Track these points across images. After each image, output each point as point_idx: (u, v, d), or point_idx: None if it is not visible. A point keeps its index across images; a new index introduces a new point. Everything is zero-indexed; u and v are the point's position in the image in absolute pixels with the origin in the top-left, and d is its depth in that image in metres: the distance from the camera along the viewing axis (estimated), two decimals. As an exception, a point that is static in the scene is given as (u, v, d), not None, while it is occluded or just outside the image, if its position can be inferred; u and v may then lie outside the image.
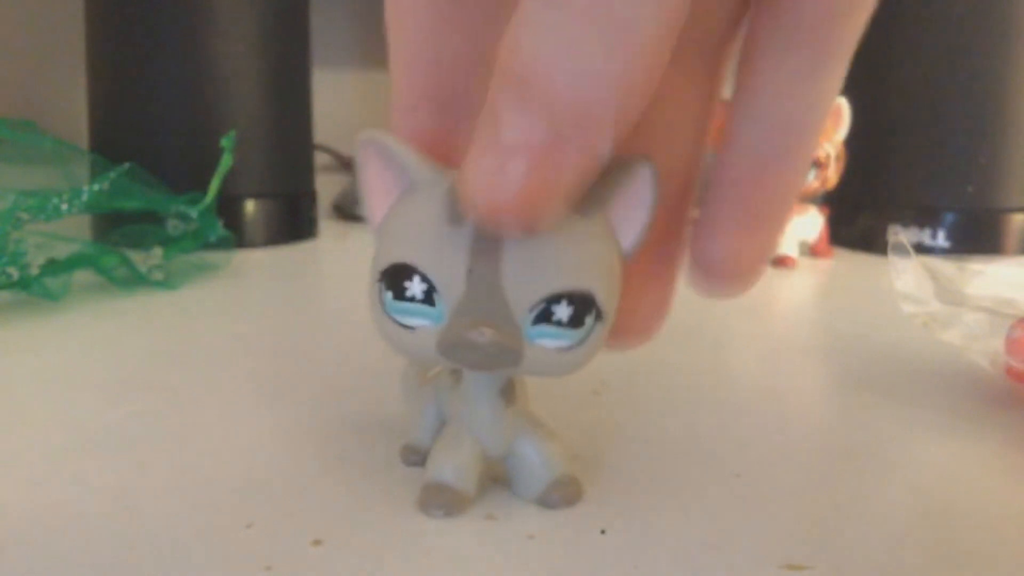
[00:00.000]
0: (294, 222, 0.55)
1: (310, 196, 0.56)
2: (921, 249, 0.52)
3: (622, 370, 0.30)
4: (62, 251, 0.38)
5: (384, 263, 0.17)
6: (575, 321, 0.16)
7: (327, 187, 0.62)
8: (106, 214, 0.46)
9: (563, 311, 0.16)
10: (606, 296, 0.16)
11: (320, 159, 0.64)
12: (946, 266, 0.31)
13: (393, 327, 0.17)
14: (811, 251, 0.54)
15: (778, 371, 0.31)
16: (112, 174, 0.41)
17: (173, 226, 0.44)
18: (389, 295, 0.16)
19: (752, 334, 0.37)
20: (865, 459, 0.23)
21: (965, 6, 0.51)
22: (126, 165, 0.41)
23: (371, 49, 0.90)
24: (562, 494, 0.19)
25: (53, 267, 0.37)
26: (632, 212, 0.17)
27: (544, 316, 0.16)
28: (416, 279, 0.16)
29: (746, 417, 0.26)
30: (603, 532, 0.18)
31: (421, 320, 0.16)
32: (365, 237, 0.57)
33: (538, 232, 0.15)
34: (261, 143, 0.52)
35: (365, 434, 0.24)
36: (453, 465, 0.19)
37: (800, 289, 0.47)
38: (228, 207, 0.48)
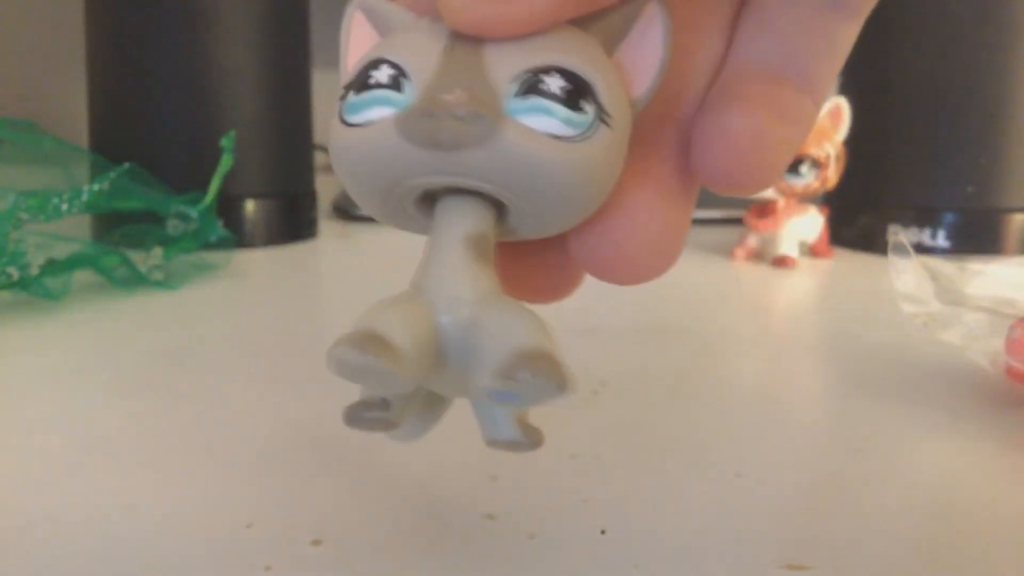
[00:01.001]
0: (294, 222, 0.55)
1: (310, 196, 0.56)
2: (921, 249, 0.51)
3: (622, 370, 0.30)
4: (62, 251, 0.38)
5: (352, 73, 0.14)
6: (571, 101, 0.13)
7: (327, 187, 0.62)
8: (106, 214, 0.46)
9: (554, 82, 0.13)
10: (609, 96, 0.13)
11: (320, 159, 0.64)
12: (946, 266, 0.31)
13: (346, 132, 0.13)
14: (811, 251, 0.54)
15: (778, 371, 0.31)
16: (112, 174, 0.40)
17: (173, 226, 0.44)
18: (350, 96, 0.13)
19: (752, 334, 0.37)
20: (865, 459, 0.23)
21: (965, 6, 0.51)
22: (126, 165, 0.41)
23: (371, 49, 0.90)
24: (530, 368, 0.12)
25: (53, 267, 0.37)
26: (643, 54, 0.14)
27: (531, 87, 0.13)
28: (383, 67, 0.13)
29: (746, 417, 0.26)
30: (603, 532, 0.18)
31: (382, 109, 0.13)
32: (365, 237, 0.57)
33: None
34: (261, 143, 0.52)
35: (365, 434, 0.24)
36: (387, 312, 0.13)
37: (800, 289, 0.47)
38: (228, 207, 0.48)
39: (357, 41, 0.15)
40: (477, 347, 0.13)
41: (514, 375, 0.12)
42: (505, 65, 0.13)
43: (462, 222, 0.14)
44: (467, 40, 0.13)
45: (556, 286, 0.17)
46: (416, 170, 0.13)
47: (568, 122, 0.13)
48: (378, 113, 0.13)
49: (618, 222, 0.14)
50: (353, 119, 0.13)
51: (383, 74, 0.13)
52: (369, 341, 0.13)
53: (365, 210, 0.15)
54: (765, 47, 0.16)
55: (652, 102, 0.14)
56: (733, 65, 0.16)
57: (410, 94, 0.13)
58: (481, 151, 0.12)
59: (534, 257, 0.16)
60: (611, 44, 0.14)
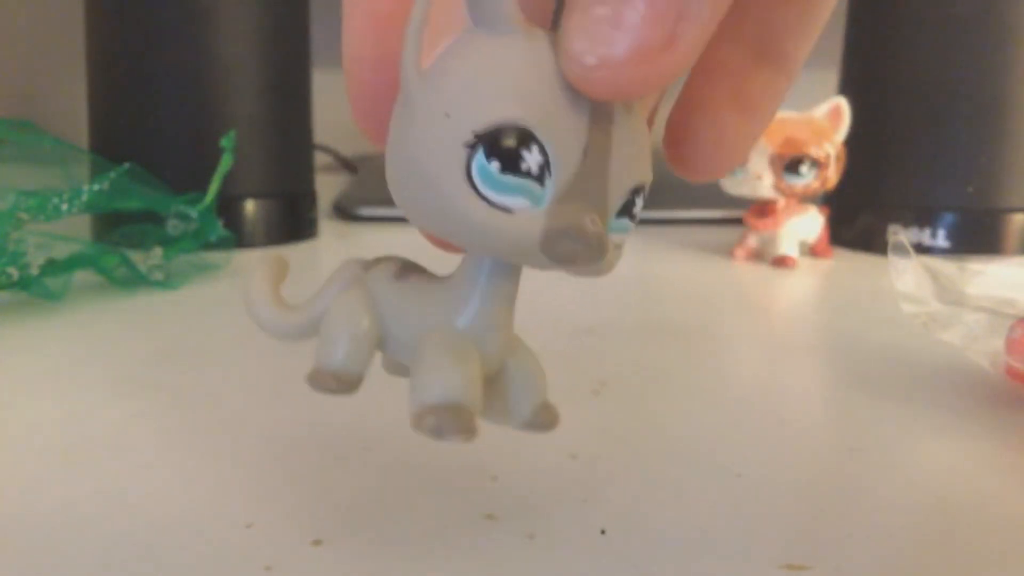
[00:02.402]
0: (294, 222, 0.55)
1: (310, 196, 0.56)
2: (921, 249, 0.51)
3: (622, 370, 0.30)
4: (62, 251, 0.38)
5: (485, 119, 0.13)
6: (638, 216, 0.14)
7: (327, 187, 0.62)
8: (106, 214, 0.46)
9: (639, 204, 0.14)
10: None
11: (320, 159, 0.64)
12: (946, 266, 0.31)
13: (485, 211, 0.13)
14: (811, 251, 0.54)
15: (778, 371, 0.31)
16: (112, 174, 0.40)
17: (173, 226, 0.44)
18: (494, 165, 0.13)
19: (752, 334, 0.37)
20: (865, 459, 0.23)
21: (966, 6, 0.51)
22: (126, 165, 0.41)
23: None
24: (545, 419, 0.16)
25: (53, 267, 0.37)
26: None
27: (627, 209, 0.14)
28: (535, 148, 0.13)
29: (746, 417, 0.26)
30: (603, 532, 0.18)
31: (523, 201, 0.13)
32: (366, 237, 0.57)
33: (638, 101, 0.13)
34: (261, 143, 0.52)
35: (365, 434, 0.24)
36: (463, 378, 0.14)
37: (800, 289, 0.47)
38: (228, 207, 0.48)
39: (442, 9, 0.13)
40: (509, 389, 0.16)
41: (536, 424, 0.16)
42: (622, 178, 0.14)
43: (513, 283, 0.15)
44: (603, 123, 0.13)
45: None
46: (532, 264, 0.14)
47: (627, 231, 0.14)
48: (519, 203, 0.13)
49: (711, 143, 0.16)
50: (495, 198, 0.13)
51: (535, 162, 0.13)
52: (467, 421, 0.14)
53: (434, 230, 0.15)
54: (741, 21, 0.16)
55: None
56: (721, 50, 0.16)
57: (549, 190, 0.13)
58: (596, 265, 0.13)
59: None
60: None
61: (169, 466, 0.22)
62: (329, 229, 0.59)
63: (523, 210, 0.13)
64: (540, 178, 0.13)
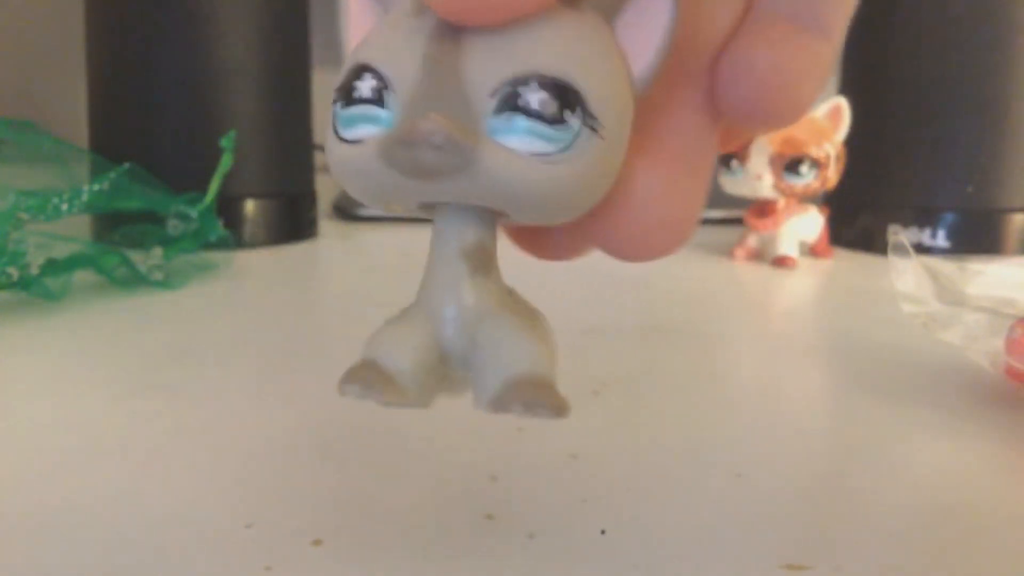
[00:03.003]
0: (294, 222, 0.55)
1: (310, 196, 0.56)
2: (921, 249, 0.51)
3: (622, 370, 0.30)
4: (62, 251, 0.38)
5: (340, 76, 0.14)
6: (553, 116, 0.12)
7: (327, 187, 0.62)
8: (106, 214, 0.46)
9: (533, 96, 0.12)
10: (599, 96, 0.13)
11: (320, 159, 0.64)
12: (946, 266, 0.31)
13: (339, 148, 0.13)
14: (811, 251, 0.54)
15: (778, 371, 0.31)
16: (112, 174, 0.41)
17: (173, 226, 0.44)
18: (338, 107, 0.13)
19: (752, 334, 0.37)
20: (865, 459, 0.23)
21: (965, 6, 0.51)
22: (126, 165, 0.41)
23: (371, 49, 0.90)
24: (524, 398, 0.13)
25: (53, 267, 0.37)
26: (645, 25, 0.13)
27: (509, 103, 0.12)
28: (367, 76, 0.13)
29: (746, 417, 0.26)
30: (603, 532, 0.18)
31: (369, 127, 0.13)
32: (365, 237, 0.57)
33: (512, 22, 0.12)
34: (261, 143, 0.52)
35: (365, 434, 0.24)
36: (389, 340, 0.14)
37: (800, 289, 0.47)
38: (228, 207, 0.48)
39: (357, 15, 0.15)
40: (476, 366, 0.14)
41: (507, 407, 0.13)
42: (485, 73, 0.12)
43: (460, 234, 0.14)
44: (448, 36, 0.13)
45: (568, 250, 0.16)
46: (405, 192, 0.13)
47: (549, 139, 0.12)
48: (365, 131, 0.13)
49: (630, 206, 0.14)
50: (344, 134, 0.13)
51: (367, 87, 0.13)
52: (372, 377, 0.13)
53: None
54: None
55: (665, 67, 0.13)
56: (749, 15, 0.15)
57: (394, 109, 0.13)
58: (462, 178, 0.12)
59: (542, 228, 0.16)
60: (608, 16, 0.13)
61: (169, 466, 0.22)
62: (329, 229, 0.59)
63: (371, 136, 0.13)
64: (380, 101, 0.13)
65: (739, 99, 0.14)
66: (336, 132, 0.13)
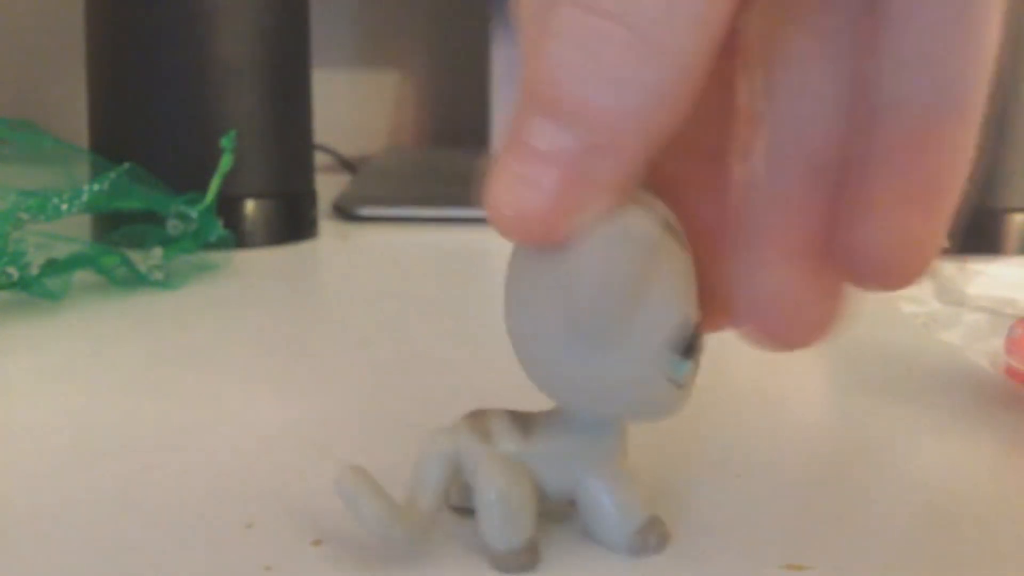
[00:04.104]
0: (294, 222, 0.55)
1: (310, 196, 0.56)
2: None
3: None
4: (62, 251, 0.38)
5: (681, 322, 0.16)
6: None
7: (327, 187, 0.62)
8: (106, 214, 0.46)
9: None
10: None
11: (320, 159, 0.64)
12: (946, 266, 0.31)
13: (668, 388, 0.16)
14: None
15: (777, 371, 0.31)
16: (112, 174, 0.41)
17: (173, 226, 0.44)
18: (676, 357, 0.16)
19: (752, 334, 0.37)
20: (865, 459, 0.23)
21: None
22: (126, 165, 0.41)
23: (371, 49, 0.90)
24: (650, 538, 0.18)
25: (53, 267, 0.37)
26: None
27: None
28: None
29: (746, 417, 0.26)
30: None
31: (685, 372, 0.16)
32: (366, 237, 0.58)
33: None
34: (261, 143, 0.52)
35: (365, 434, 0.24)
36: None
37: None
38: (228, 207, 0.48)
39: None
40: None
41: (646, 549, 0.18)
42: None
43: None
44: None
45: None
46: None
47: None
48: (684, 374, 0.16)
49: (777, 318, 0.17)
50: (679, 379, 0.16)
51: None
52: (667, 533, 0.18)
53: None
54: (909, 76, 0.15)
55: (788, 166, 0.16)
56: (872, 114, 0.15)
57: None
58: None
59: None
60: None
61: (168, 466, 0.22)
62: (329, 229, 0.59)
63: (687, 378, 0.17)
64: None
65: (869, 277, 0.16)
66: (674, 380, 0.16)
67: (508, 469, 0.17)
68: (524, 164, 0.14)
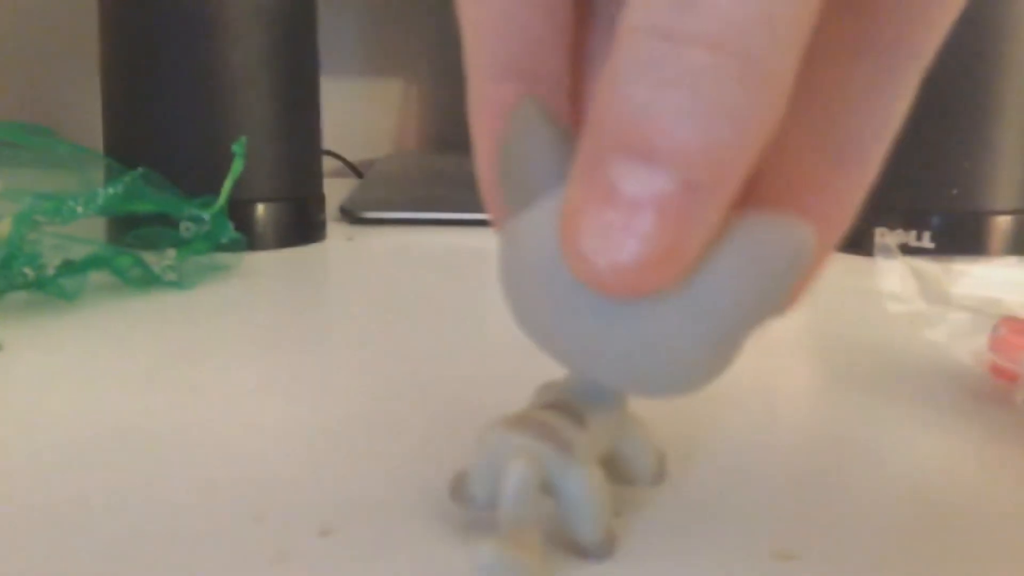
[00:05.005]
0: (303, 225, 0.55)
1: (319, 200, 0.57)
2: (907, 250, 0.51)
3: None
4: (78, 252, 0.38)
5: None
6: None
7: (335, 191, 0.63)
8: (121, 217, 0.47)
9: None
10: None
11: (329, 164, 0.65)
12: (931, 267, 0.31)
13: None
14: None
15: (766, 369, 0.31)
16: (126, 178, 0.41)
17: (186, 228, 0.44)
18: None
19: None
20: (852, 453, 0.23)
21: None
22: (140, 170, 0.42)
23: (378, 56, 0.90)
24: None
25: (69, 268, 0.37)
26: None
27: None
28: None
29: (735, 413, 0.26)
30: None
31: None
32: (373, 240, 0.58)
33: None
34: (271, 149, 0.52)
35: (372, 429, 0.24)
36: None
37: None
38: (239, 210, 0.48)
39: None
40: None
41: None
42: None
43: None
44: None
45: None
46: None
47: None
48: None
49: None
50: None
51: None
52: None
53: None
54: (820, 124, 0.15)
55: None
56: (785, 151, 0.15)
57: None
58: None
59: None
60: None
61: (180, 460, 0.22)
62: (337, 231, 0.59)
63: None
64: None
65: None
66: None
67: (595, 467, 0.17)
68: (614, 211, 0.12)
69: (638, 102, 0.12)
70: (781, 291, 0.14)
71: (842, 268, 0.51)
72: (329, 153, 0.71)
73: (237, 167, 0.45)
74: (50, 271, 0.37)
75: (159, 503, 0.19)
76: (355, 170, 0.84)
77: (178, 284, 0.41)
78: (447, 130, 0.91)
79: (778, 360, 0.33)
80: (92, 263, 0.39)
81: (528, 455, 0.16)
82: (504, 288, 0.16)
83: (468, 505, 0.18)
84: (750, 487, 0.21)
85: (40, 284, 0.36)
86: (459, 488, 0.18)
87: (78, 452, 0.22)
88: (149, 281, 0.41)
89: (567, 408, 0.18)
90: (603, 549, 0.17)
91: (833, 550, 0.18)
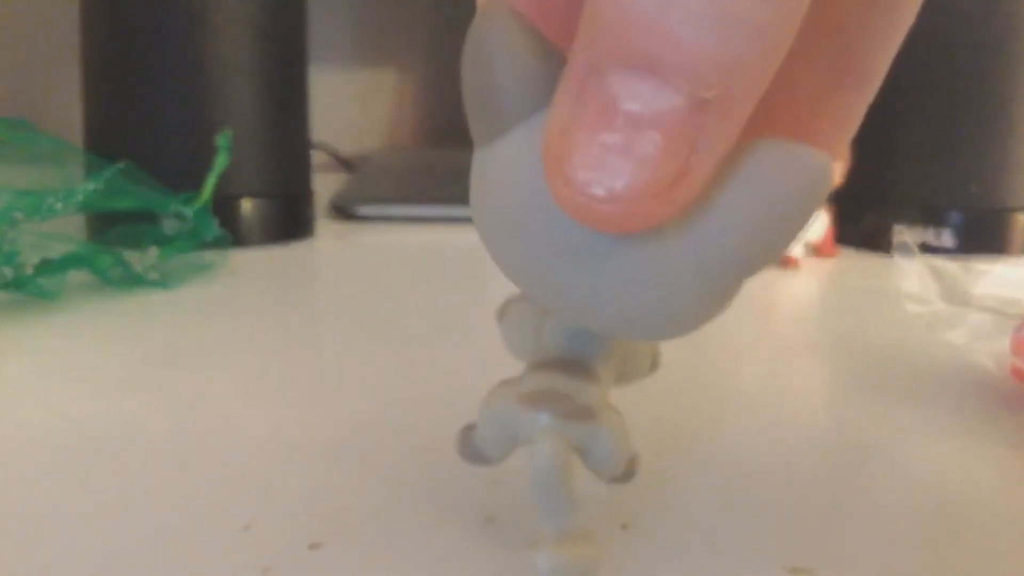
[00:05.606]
0: (291, 221, 0.55)
1: (308, 195, 0.56)
2: (926, 248, 0.51)
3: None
4: (57, 251, 0.38)
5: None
6: None
7: (325, 186, 0.62)
8: (101, 213, 0.46)
9: None
10: None
11: (318, 158, 0.64)
12: (951, 266, 0.31)
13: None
14: (815, 250, 0.54)
15: (781, 371, 0.31)
16: (107, 173, 0.40)
17: (169, 225, 0.44)
18: None
19: (755, 333, 0.37)
20: (868, 460, 0.23)
21: (971, 3, 0.51)
22: (121, 164, 0.41)
23: (369, 47, 0.90)
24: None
25: (48, 267, 0.37)
26: None
27: None
28: None
29: (749, 418, 0.26)
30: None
31: None
32: (363, 236, 0.57)
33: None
34: (257, 142, 0.52)
35: (363, 435, 0.24)
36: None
37: (804, 288, 0.47)
38: (224, 206, 0.48)
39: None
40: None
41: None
42: None
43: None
44: None
45: None
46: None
47: None
48: None
49: None
50: None
51: None
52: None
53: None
54: (821, 37, 0.14)
55: None
56: (784, 68, 0.15)
57: None
58: None
59: None
60: None
61: (166, 467, 0.21)
62: (326, 228, 0.59)
63: None
64: None
65: None
66: None
67: (612, 414, 0.16)
68: (611, 131, 0.11)
69: (642, 5, 0.10)
70: (795, 228, 0.13)
71: (859, 267, 0.52)
72: (318, 146, 0.70)
73: (222, 161, 0.44)
74: (29, 270, 0.36)
75: (144, 511, 0.19)
76: (346, 164, 0.83)
77: (161, 283, 0.41)
78: (441, 123, 0.91)
79: (793, 362, 0.33)
80: (71, 262, 0.38)
81: (552, 440, 0.15)
82: (478, 228, 0.14)
83: (480, 462, 0.17)
84: (761, 497, 0.21)
85: (19, 284, 0.36)
86: (467, 444, 0.17)
87: (57, 459, 0.22)
88: (131, 281, 0.40)
89: (571, 363, 0.16)
90: (628, 474, 0.17)
91: (848, 564, 0.18)
